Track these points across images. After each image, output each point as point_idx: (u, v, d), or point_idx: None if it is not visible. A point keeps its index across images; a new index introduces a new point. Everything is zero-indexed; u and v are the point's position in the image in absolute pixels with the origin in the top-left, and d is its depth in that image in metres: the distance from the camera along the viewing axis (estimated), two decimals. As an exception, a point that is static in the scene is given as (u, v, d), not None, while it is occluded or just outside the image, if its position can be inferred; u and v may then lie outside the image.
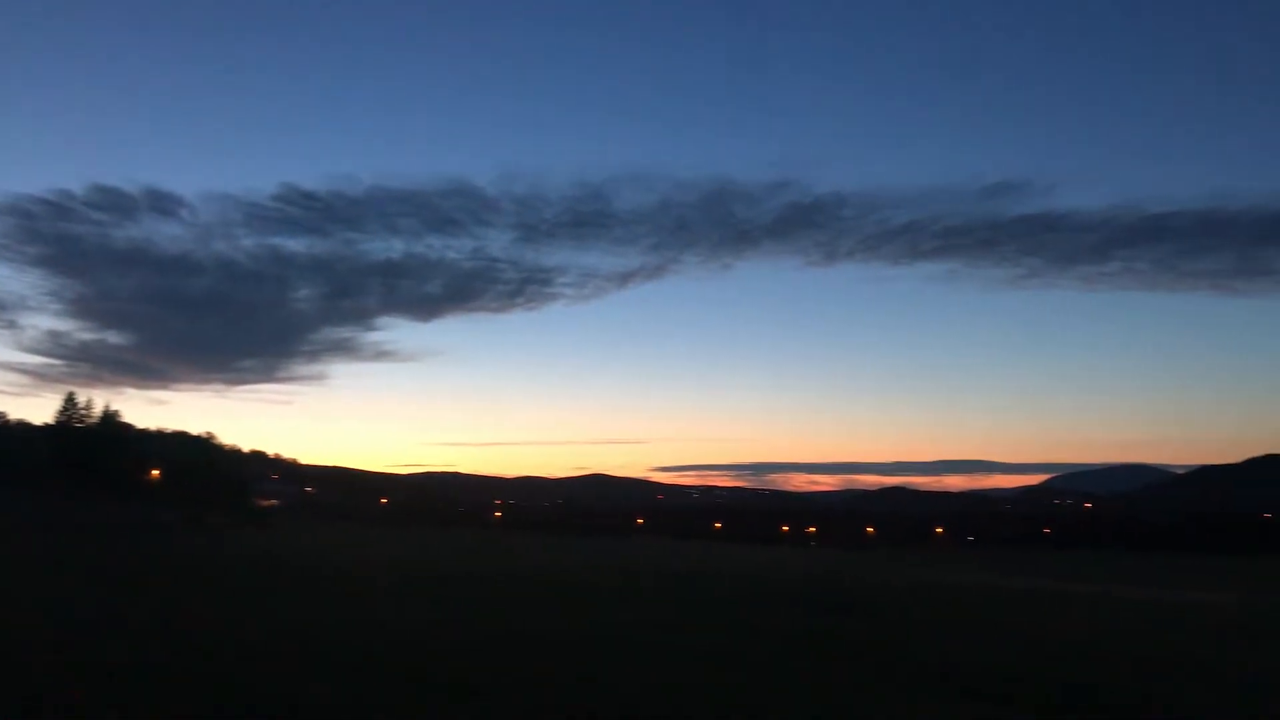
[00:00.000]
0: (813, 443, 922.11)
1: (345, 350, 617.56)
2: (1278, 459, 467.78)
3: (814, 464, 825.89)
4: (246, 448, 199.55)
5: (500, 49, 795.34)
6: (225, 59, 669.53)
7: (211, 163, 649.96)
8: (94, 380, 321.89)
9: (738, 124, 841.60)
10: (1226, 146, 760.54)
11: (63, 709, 10.97)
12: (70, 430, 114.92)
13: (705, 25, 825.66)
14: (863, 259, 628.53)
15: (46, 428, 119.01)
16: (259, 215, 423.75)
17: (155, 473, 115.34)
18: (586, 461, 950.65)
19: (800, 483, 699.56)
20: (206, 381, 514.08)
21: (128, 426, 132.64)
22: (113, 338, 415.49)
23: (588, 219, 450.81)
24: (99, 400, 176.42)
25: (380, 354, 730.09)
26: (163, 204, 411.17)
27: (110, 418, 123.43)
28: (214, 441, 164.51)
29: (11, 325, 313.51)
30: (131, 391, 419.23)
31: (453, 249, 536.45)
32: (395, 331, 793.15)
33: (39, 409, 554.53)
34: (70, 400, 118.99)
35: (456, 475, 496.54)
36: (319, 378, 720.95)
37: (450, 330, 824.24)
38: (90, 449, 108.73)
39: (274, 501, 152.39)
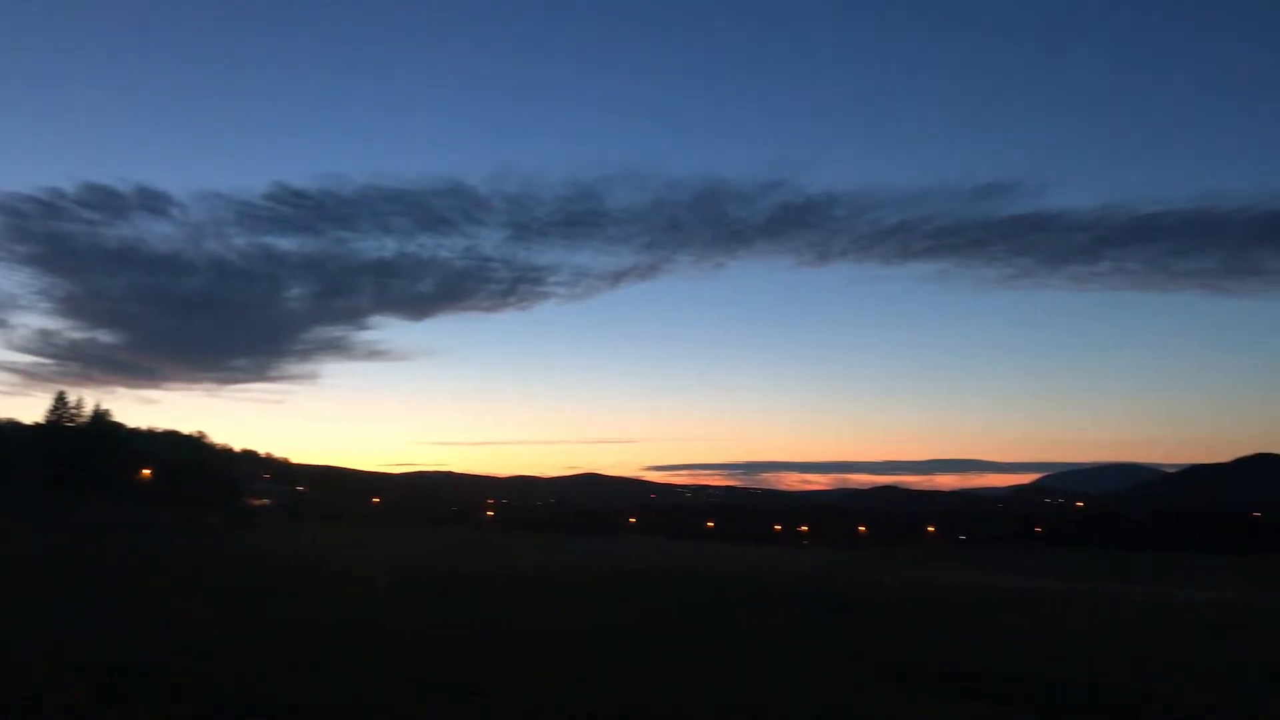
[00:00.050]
0: (805, 442, 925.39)
1: (337, 349, 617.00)
2: (1267, 458, 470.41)
3: (806, 463, 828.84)
4: (238, 447, 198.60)
5: (493, 49, 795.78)
6: (217, 58, 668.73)
7: (203, 162, 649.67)
8: (84, 379, 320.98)
9: (730, 124, 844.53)
10: (1216, 148, 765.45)
11: (63, 709, 10.90)
12: (60, 430, 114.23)
13: (698, 26, 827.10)
14: (855, 259, 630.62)
15: (36, 427, 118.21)
16: (251, 214, 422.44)
17: (146, 472, 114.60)
18: (579, 461, 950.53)
19: (792, 482, 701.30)
20: (198, 381, 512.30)
21: (118, 426, 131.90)
22: (103, 337, 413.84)
23: (580, 218, 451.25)
24: (89, 399, 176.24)
25: (372, 353, 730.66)
26: (154, 203, 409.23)
27: (101, 417, 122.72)
28: (205, 441, 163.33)
29: (2, 324, 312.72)
30: (122, 391, 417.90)
31: (445, 248, 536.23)
32: (387, 330, 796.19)
33: (29, 408, 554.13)
34: (60, 399, 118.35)
35: (449, 475, 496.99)
36: (311, 377, 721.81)
37: (442, 329, 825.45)
38: (81, 448, 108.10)
39: (265, 501, 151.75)
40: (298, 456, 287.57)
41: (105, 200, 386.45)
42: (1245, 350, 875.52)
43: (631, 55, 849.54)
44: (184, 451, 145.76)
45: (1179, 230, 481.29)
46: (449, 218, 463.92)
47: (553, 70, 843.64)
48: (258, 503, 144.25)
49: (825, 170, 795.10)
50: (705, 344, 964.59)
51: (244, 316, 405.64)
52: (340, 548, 62.58)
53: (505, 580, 36.57)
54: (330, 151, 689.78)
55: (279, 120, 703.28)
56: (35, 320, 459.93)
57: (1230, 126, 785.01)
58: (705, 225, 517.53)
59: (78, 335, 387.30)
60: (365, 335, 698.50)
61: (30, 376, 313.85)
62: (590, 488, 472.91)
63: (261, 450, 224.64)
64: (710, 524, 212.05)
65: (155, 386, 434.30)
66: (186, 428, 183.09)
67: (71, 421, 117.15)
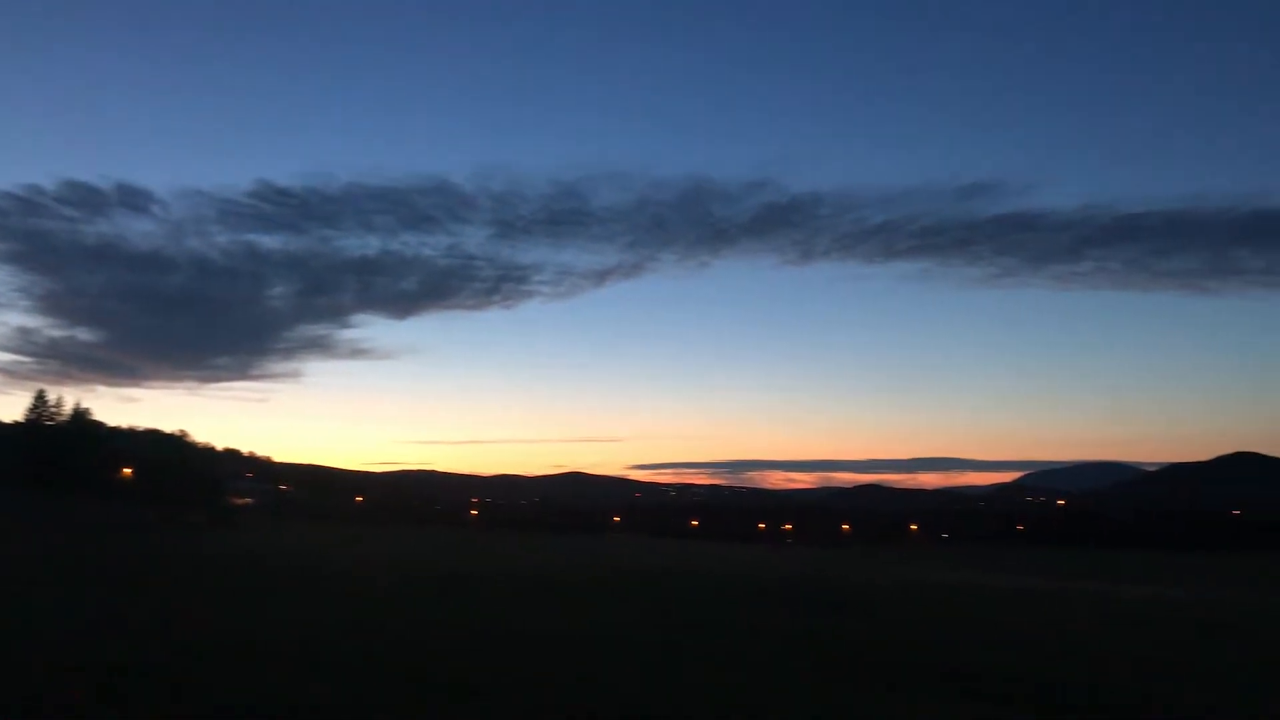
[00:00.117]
0: (789, 441, 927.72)
1: (320, 348, 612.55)
2: (1246, 457, 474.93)
3: (790, 462, 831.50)
4: (220, 446, 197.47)
5: (478, 48, 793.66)
6: (200, 54, 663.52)
7: (185, 159, 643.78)
8: (64, 377, 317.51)
9: (715, 123, 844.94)
10: (1199, 149, 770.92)
11: (62, 709, 10.78)
12: (40, 428, 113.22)
13: (684, 26, 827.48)
14: (839, 258, 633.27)
15: (15, 426, 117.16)
16: (233, 212, 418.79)
17: (127, 471, 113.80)
18: (564, 460, 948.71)
19: (777, 480, 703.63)
20: (179, 379, 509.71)
21: (98, 424, 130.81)
22: (83, 335, 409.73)
23: (565, 217, 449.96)
24: (69, 398, 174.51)
25: (356, 351, 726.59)
26: (135, 200, 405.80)
27: (81, 415, 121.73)
28: (187, 439, 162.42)
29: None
30: (102, 389, 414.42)
31: (429, 246, 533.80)
32: (371, 329, 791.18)
33: (8, 407, 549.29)
34: (40, 398, 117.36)
35: (433, 473, 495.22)
36: (294, 375, 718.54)
37: (426, 328, 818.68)
38: (60, 447, 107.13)
39: (248, 500, 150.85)
40: (281, 455, 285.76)
41: (85, 197, 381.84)
42: (1226, 350, 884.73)
43: (617, 55, 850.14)
44: (165, 450, 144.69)
45: (1161, 230, 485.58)
46: (433, 216, 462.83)
47: (538, 69, 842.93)
48: (240, 502, 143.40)
49: (810, 170, 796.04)
50: (689, 343, 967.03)
51: (226, 314, 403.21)
52: (328, 547, 62.26)
53: (504, 580, 36.42)
54: (314, 149, 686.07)
55: (262, 117, 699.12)
56: (14, 318, 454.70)
57: (1212, 128, 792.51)
58: (690, 224, 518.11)
59: (57, 333, 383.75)
60: (349, 334, 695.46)
61: (9, 375, 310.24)
62: (575, 487, 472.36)
63: (244, 449, 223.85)
64: (695, 523, 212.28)
65: (136, 385, 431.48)
66: (168, 426, 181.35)
67: (51, 420, 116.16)
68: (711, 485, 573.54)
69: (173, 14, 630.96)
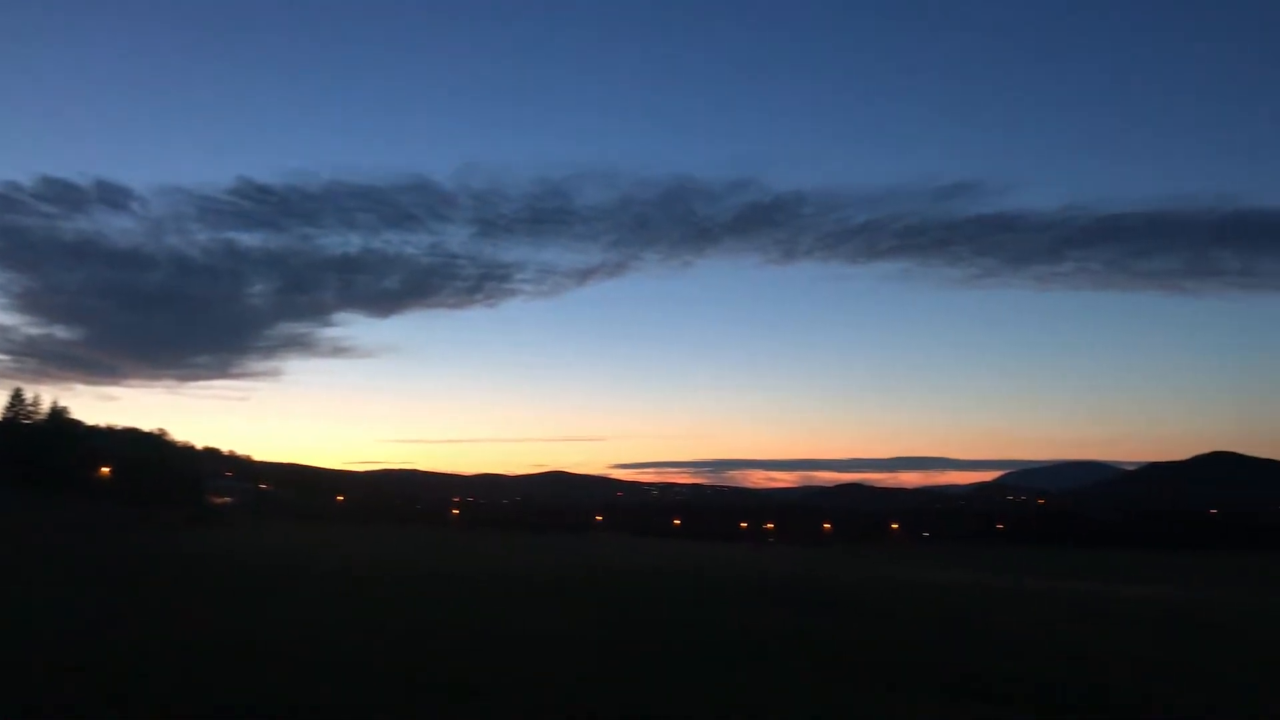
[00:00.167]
0: (771, 440, 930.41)
1: (301, 346, 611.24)
2: (1225, 456, 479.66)
3: (772, 461, 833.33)
4: (200, 445, 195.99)
5: (461, 46, 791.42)
6: (180, 51, 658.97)
7: (165, 156, 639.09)
8: (42, 376, 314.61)
9: (698, 122, 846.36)
10: (1178, 150, 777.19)
11: (62, 709, 10.70)
12: (17, 427, 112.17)
13: (667, 25, 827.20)
14: (821, 257, 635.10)
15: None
16: (213, 209, 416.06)
17: (105, 470, 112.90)
18: (545, 459, 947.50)
19: (758, 479, 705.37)
20: (158, 378, 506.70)
21: (76, 423, 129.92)
22: (61, 332, 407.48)
23: (547, 215, 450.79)
24: (47, 396, 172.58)
25: (337, 350, 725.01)
26: (114, 197, 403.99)
27: (58, 414, 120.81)
28: (166, 438, 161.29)
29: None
30: (80, 387, 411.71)
31: (411, 244, 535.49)
32: (352, 327, 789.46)
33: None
34: (17, 396, 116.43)
35: (414, 472, 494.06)
36: (274, 374, 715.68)
37: (408, 326, 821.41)
38: (38, 446, 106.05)
39: (227, 499, 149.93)
40: (261, 454, 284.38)
41: (63, 194, 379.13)
42: (1205, 350, 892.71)
43: (600, 54, 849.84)
44: (144, 449, 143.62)
45: (1140, 231, 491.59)
46: (415, 214, 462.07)
47: (521, 68, 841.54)
48: (220, 501, 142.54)
49: (792, 169, 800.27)
50: (672, 342, 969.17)
51: (206, 313, 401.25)
52: (312, 547, 61.66)
53: (495, 581, 36.18)
54: (295, 147, 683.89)
55: (243, 115, 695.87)
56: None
57: (1192, 130, 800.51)
58: (673, 223, 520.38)
59: (35, 331, 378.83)
60: (330, 332, 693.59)
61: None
62: (556, 486, 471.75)
63: (224, 448, 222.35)
64: (677, 522, 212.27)
65: (115, 383, 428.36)
66: (147, 425, 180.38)
67: (28, 419, 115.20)
68: (693, 484, 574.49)
69: (153, 10, 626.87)
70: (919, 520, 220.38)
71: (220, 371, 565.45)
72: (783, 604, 29.93)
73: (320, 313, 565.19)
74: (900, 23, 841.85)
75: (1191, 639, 24.87)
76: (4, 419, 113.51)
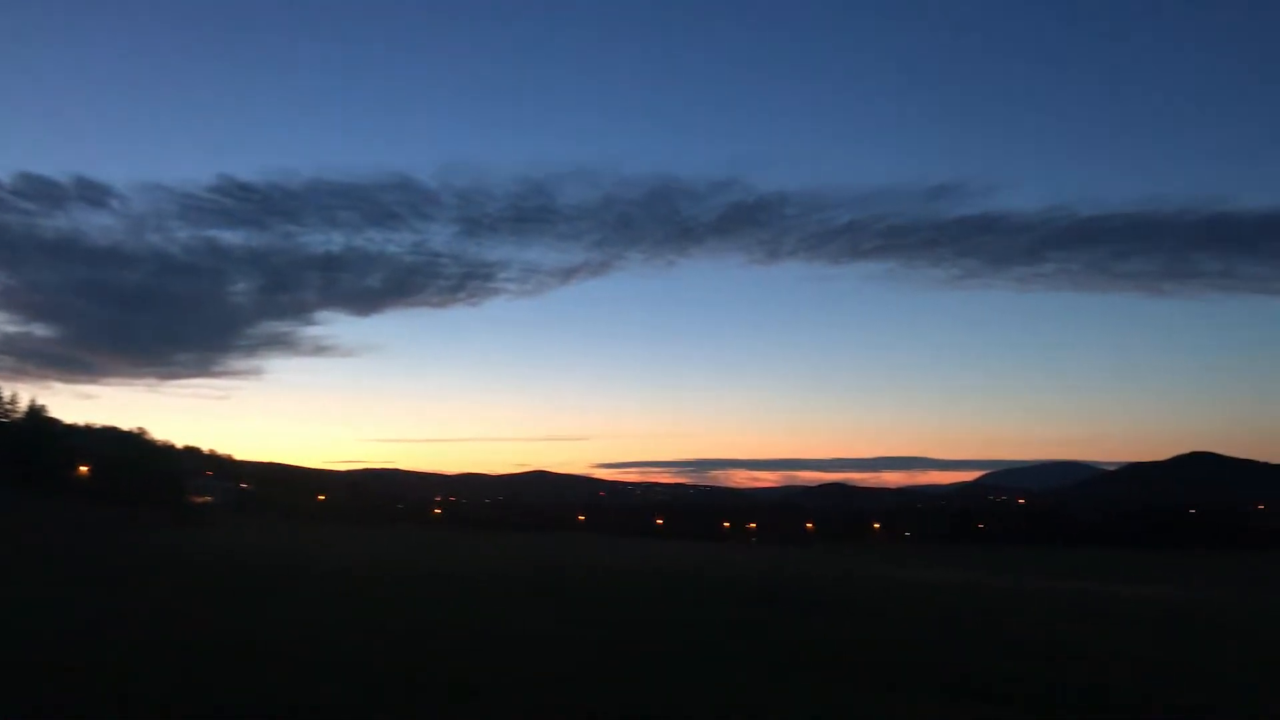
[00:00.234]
0: (754, 439, 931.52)
1: (283, 344, 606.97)
2: (1204, 456, 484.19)
3: (755, 460, 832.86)
4: (180, 443, 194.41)
5: (443, 42, 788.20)
6: (160, 46, 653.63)
7: (145, 153, 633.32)
8: (19, 374, 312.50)
9: (682, 122, 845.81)
10: (1158, 153, 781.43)
11: (62, 708, 10.63)
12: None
13: (650, 24, 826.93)
14: (805, 258, 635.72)
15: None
16: (194, 207, 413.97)
17: (84, 469, 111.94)
18: (528, 458, 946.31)
19: (741, 479, 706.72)
20: (138, 376, 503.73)
21: (55, 422, 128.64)
22: (40, 330, 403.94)
23: (531, 214, 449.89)
24: (25, 394, 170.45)
25: (319, 348, 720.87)
26: (93, 194, 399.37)
27: (36, 412, 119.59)
28: (145, 437, 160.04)
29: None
30: (59, 386, 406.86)
31: (393, 243, 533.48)
32: (334, 326, 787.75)
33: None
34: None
35: (396, 472, 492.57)
36: (256, 373, 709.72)
37: (390, 325, 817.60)
38: (15, 444, 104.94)
39: (208, 498, 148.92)
40: (242, 453, 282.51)
41: (42, 190, 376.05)
42: (1184, 351, 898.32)
43: (584, 53, 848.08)
44: (123, 448, 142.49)
45: (1121, 233, 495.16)
46: (398, 212, 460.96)
47: (504, 65, 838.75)
48: (200, 500, 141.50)
49: (776, 170, 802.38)
50: (656, 342, 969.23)
51: (187, 311, 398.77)
52: (300, 547, 61.20)
53: (490, 580, 36.08)
54: (278, 145, 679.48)
55: (224, 112, 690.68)
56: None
57: (1172, 132, 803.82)
58: (656, 223, 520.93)
59: (12, 329, 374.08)
60: (312, 330, 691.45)
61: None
62: (539, 485, 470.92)
63: (205, 447, 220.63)
64: (660, 521, 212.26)
65: (94, 381, 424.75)
66: (126, 424, 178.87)
67: (6, 417, 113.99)
68: (676, 484, 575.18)
69: (133, 6, 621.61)
70: (900, 520, 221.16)
71: (201, 370, 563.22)
72: (778, 603, 29.88)
73: (302, 311, 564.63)
74: (885, 25, 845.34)
75: (1191, 639, 24.92)
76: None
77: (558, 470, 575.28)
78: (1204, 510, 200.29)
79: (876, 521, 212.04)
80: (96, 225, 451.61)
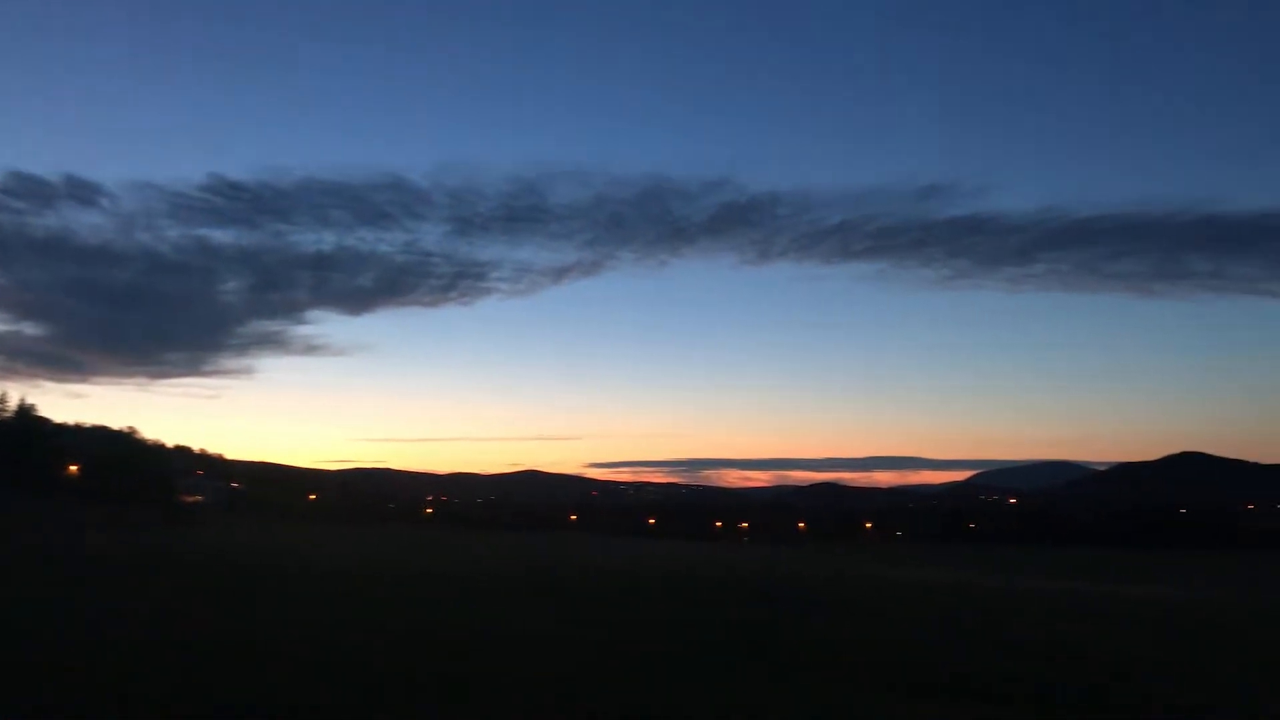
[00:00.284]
0: (746, 439, 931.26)
1: (274, 344, 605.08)
2: (1194, 456, 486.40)
3: (747, 460, 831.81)
4: (170, 443, 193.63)
5: (436, 42, 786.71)
6: (151, 43, 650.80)
7: (136, 151, 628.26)
8: (9, 373, 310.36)
9: (675, 122, 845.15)
10: (1148, 154, 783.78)
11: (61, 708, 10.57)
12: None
13: (643, 24, 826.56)
14: (796, 258, 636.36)
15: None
16: (185, 205, 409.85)
17: (73, 468, 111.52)
18: (520, 458, 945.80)
19: (733, 479, 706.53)
20: (129, 375, 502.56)
21: (44, 421, 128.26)
22: (30, 329, 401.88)
23: (523, 214, 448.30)
24: (14, 393, 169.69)
25: (310, 348, 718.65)
26: (83, 193, 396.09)
27: (26, 411, 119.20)
28: (135, 436, 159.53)
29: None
30: (49, 385, 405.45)
31: (385, 242, 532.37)
32: (326, 325, 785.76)
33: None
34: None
35: (387, 471, 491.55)
36: (247, 372, 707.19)
37: (382, 324, 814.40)
38: (4, 443, 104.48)
39: (198, 497, 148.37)
40: (233, 453, 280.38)
41: (32, 189, 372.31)
42: (1174, 351, 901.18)
43: (577, 53, 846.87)
44: (113, 447, 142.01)
45: (1111, 234, 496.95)
46: (389, 212, 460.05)
47: (497, 66, 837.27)
48: (190, 499, 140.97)
49: (768, 169, 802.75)
50: (648, 341, 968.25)
51: (177, 310, 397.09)
52: (293, 546, 60.92)
53: (487, 580, 35.94)
54: (268, 143, 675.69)
55: (215, 110, 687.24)
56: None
57: (1162, 134, 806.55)
58: (648, 223, 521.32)
59: (2, 327, 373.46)
60: (303, 330, 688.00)
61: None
62: (531, 485, 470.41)
63: (195, 446, 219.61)
64: (652, 521, 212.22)
65: (84, 380, 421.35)
66: (116, 423, 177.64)
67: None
68: (668, 483, 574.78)
69: (124, 4, 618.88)
70: (892, 519, 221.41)
71: (191, 369, 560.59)
72: (774, 603, 29.85)
73: (293, 310, 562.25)
74: (877, 26, 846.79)
75: (1191, 639, 24.94)
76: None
77: (550, 470, 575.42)
78: (1194, 510, 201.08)
79: (868, 521, 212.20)
80: (87, 224, 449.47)
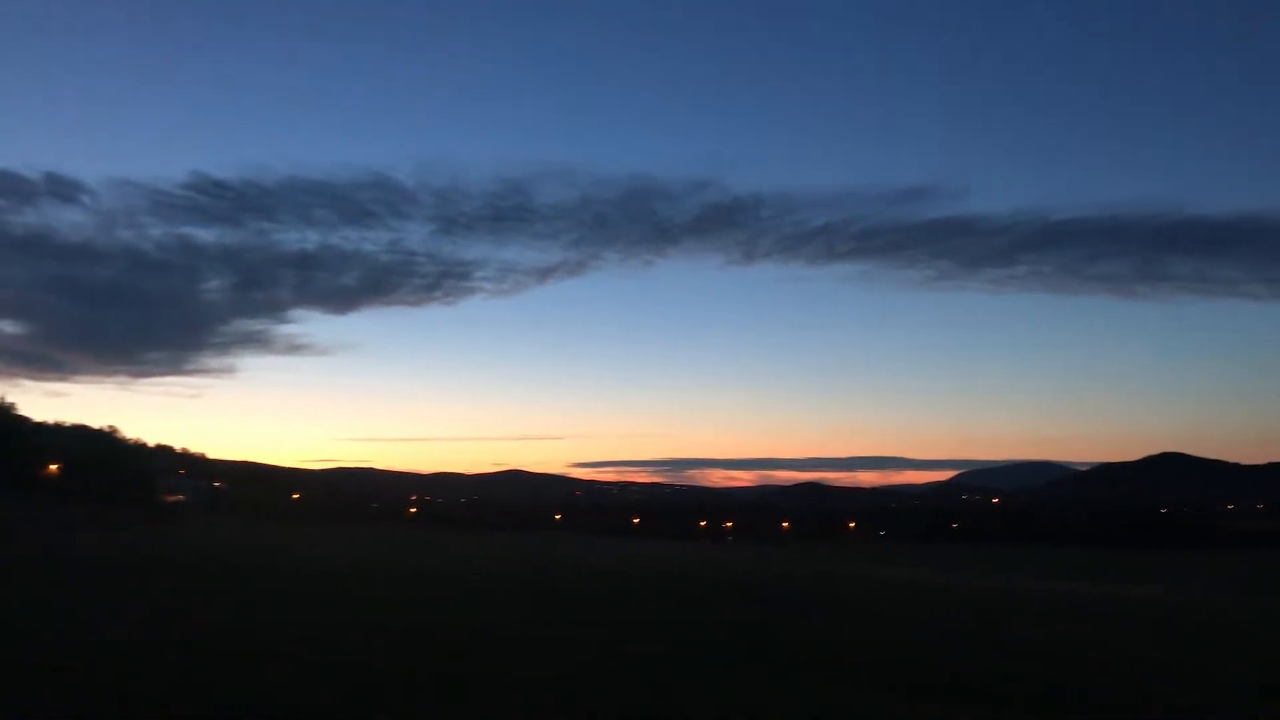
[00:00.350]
0: (730, 439, 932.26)
1: (257, 343, 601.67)
2: (1173, 457, 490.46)
3: (731, 460, 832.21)
4: (152, 442, 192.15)
5: (419, 41, 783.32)
6: (133, 39, 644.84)
7: (117, 148, 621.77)
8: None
9: (659, 122, 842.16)
10: (1128, 156, 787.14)
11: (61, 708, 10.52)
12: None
13: (627, 23, 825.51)
14: (781, 259, 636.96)
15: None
16: (167, 203, 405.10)
17: (53, 467, 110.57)
18: (504, 458, 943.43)
19: (717, 479, 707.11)
20: (110, 374, 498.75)
21: (24, 419, 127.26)
22: (9, 327, 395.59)
23: (508, 213, 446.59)
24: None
25: (293, 347, 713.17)
26: (64, 190, 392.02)
27: (5, 410, 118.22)
28: (116, 435, 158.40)
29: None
30: (28, 383, 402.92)
31: (369, 241, 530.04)
32: (309, 324, 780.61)
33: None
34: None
35: (371, 471, 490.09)
36: (229, 371, 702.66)
37: (366, 323, 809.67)
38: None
39: (180, 497, 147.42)
40: (215, 452, 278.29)
41: (11, 186, 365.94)
42: (1153, 353, 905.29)
43: (561, 52, 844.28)
44: (93, 446, 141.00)
45: (1092, 236, 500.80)
46: (374, 211, 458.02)
47: (480, 64, 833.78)
48: (172, 499, 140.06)
49: (752, 170, 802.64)
50: (632, 341, 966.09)
51: (159, 308, 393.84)
52: (280, 546, 60.36)
53: (480, 580, 35.81)
54: (252, 141, 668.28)
55: (198, 107, 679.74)
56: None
57: (1144, 136, 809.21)
58: (633, 223, 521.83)
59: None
60: (286, 329, 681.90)
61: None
62: (515, 484, 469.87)
63: (177, 445, 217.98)
64: (636, 520, 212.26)
65: (64, 379, 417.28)
66: (96, 422, 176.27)
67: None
68: (652, 483, 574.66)
69: (105, 1, 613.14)
70: (875, 519, 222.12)
71: (173, 368, 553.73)
72: (771, 603, 29.81)
73: (276, 309, 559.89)
74: (860, 28, 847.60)
75: (1191, 639, 25.04)
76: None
77: (534, 469, 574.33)
78: (1176, 510, 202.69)
79: (851, 521, 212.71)
80: (67, 221, 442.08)
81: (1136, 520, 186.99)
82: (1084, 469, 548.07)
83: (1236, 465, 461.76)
